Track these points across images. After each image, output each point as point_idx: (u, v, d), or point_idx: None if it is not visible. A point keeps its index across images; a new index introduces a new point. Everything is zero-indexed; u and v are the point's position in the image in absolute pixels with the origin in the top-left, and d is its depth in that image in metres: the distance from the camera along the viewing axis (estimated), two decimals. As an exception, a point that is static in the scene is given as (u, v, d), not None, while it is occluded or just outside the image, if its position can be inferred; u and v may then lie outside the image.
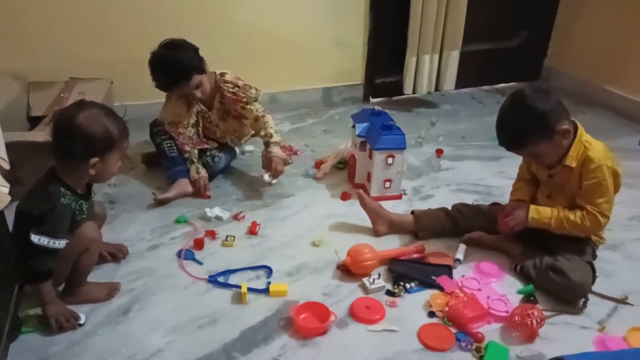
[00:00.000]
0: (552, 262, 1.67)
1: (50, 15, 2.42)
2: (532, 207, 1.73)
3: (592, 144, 1.64)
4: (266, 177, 2.15)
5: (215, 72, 2.20)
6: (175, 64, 2.02)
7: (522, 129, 1.62)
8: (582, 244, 1.73)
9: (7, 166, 1.44)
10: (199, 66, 2.08)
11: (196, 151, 2.24)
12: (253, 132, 2.35)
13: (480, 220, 1.91)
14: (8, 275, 1.50)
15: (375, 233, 1.97)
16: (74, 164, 1.49)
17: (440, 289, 1.69)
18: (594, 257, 1.78)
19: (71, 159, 1.47)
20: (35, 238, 1.42)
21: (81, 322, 1.55)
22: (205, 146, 2.30)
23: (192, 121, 2.24)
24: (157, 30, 2.31)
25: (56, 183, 1.48)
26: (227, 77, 2.20)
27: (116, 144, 1.49)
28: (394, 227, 1.96)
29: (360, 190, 2.02)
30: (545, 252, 1.74)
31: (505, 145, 1.67)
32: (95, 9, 2.47)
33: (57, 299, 1.55)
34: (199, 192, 2.17)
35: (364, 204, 1.96)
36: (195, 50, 2.09)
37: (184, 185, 2.15)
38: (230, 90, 2.18)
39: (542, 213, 1.71)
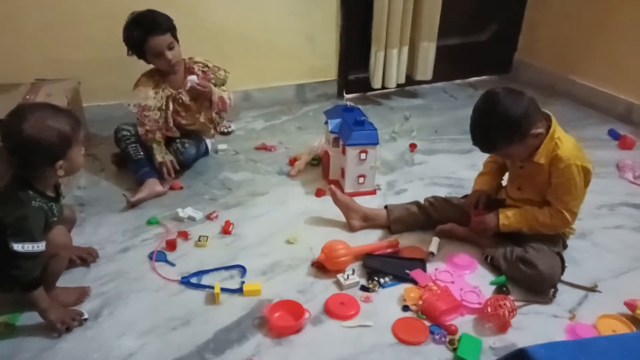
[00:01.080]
0: (522, 253, 1.70)
1: (14, 14, 2.36)
2: (502, 214, 1.77)
3: (562, 142, 1.65)
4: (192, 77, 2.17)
5: (184, 58, 2.23)
6: (152, 19, 2.09)
7: (495, 134, 1.63)
8: (551, 235, 1.75)
9: None
10: (174, 29, 2.14)
11: (160, 134, 2.22)
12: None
13: (451, 212, 1.93)
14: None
15: (350, 228, 1.97)
16: (39, 170, 1.46)
17: (415, 282, 1.70)
18: (564, 247, 1.81)
19: (35, 168, 1.45)
20: (18, 247, 1.40)
21: (85, 317, 1.55)
22: (175, 134, 2.28)
23: (158, 104, 2.21)
24: (122, 30, 2.27)
25: (24, 188, 1.45)
26: (197, 59, 2.26)
27: (73, 140, 1.46)
28: (368, 220, 1.97)
29: (332, 186, 2.02)
30: (515, 242, 1.76)
31: (478, 146, 1.70)
32: (62, 8, 2.42)
33: (53, 302, 1.52)
34: (164, 175, 2.16)
35: (336, 199, 1.97)
36: (171, 18, 2.14)
37: (153, 184, 2.13)
38: (202, 69, 2.24)
39: (513, 219, 1.75)
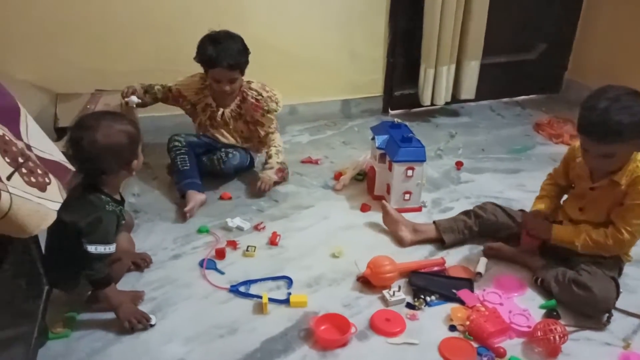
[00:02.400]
0: (574, 275, 1.66)
1: (77, 30, 2.48)
2: (555, 225, 1.73)
3: None
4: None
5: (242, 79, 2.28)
6: (228, 50, 2.11)
7: (631, 120, 1.50)
8: (604, 257, 1.70)
9: (73, 167, 1.46)
10: (244, 65, 2.19)
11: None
12: (260, 139, 2.40)
13: (501, 215, 1.94)
14: (36, 283, 1.54)
15: (401, 242, 1.96)
16: (113, 175, 1.54)
17: (462, 302, 1.68)
18: (620, 273, 1.75)
19: (110, 173, 1.53)
20: (92, 248, 1.47)
21: (152, 322, 1.59)
22: (216, 136, 2.37)
23: (192, 100, 2.32)
24: (175, 44, 2.37)
25: (96, 193, 1.53)
26: (253, 86, 2.29)
27: (139, 139, 1.57)
28: (418, 234, 1.97)
29: (384, 201, 2.04)
30: (567, 265, 1.72)
31: (596, 132, 1.54)
32: (119, 25, 2.53)
33: (126, 300, 1.59)
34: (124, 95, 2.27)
35: (386, 213, 1.99)
36: (247, 50, 2.19)
37: (195, 195, 2.16)
38: (255, 96, 2.26)
39: (565, 230, 1.71)
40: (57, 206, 1.24)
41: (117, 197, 1.60)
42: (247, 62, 2.19)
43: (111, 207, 1.54)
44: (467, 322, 1.58)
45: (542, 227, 1.78)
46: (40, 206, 1.17)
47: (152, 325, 1.59)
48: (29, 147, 1.28)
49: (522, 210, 1.96)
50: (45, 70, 2.49)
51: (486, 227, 1.94)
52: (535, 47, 3.32)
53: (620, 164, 1.62)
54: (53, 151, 1.40)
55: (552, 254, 1.78)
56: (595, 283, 1.61)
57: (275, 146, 2.33)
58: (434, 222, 1.99)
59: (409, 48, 3.02)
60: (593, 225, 1.70)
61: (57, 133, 2.35)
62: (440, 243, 1.96)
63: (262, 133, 2.35)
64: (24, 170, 1.17)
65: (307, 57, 2.89)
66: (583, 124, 1.57)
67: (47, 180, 1.24)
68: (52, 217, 1.21)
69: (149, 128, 2.67)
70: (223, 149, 2.33)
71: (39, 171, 1.23)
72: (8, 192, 1.08)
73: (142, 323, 1.57)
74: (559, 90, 3.48)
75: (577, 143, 1.73)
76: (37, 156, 1.29)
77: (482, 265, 1.84)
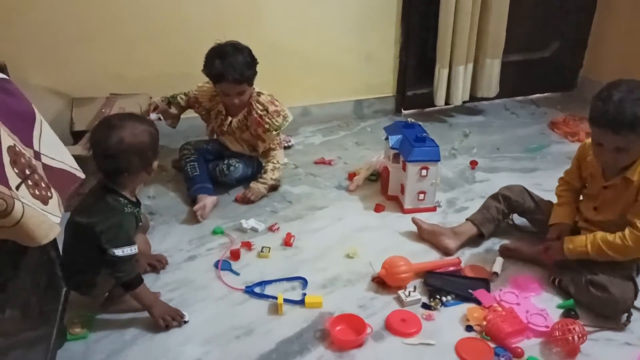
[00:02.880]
0: (591, 276, 1.63)
1: (92, 35, 2.51)
2: (566, 238, 1.71)
3: None
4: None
5: (254, 88, 2.26)
6: (233, 64, 2.09)
7: None
8: (626, 263, 1.66)
9: (82, 175, 1.48)
10: (251, 78, 2.17)
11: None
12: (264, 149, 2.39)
13: (528, 199, 1.95)
14: (55, 285, 1.55)
15: (447, 250, 1.92)
16: (133, 175, 1.55)
17: (478, 302, 1.67)
18: (638, 272, 1.72)
19: (131, 174, 1.54)
20: (119, 252, 1.49)
21: (186, 319, 1.62)
22: (226, 143, 2.38)
23: (206, 106, 2.35)
24: (190, 48, 2.38)
25: (113, 195, 1.54)
26: (262, 99, 2.24)
27: (158, 140, 1.59)
28: (459, 236, 1.94)
29: (414, 217, 2.01)
30: (585, 265, 1.69)
31: (610, 123, 1.50)
32: (135, 30, 2.55)
33: (158, 299, 1.62)
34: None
35: (421, 231, 1.97)
36: (254, 62, 2.17)
37: (206, 199, 2.17)
38: (259, 112, 2.23)
39: (577, 242, 1.67)
40: (58, 220, 1.25)
41: (134, 199, 1.61)
42: (254, 74, 2.17)
43: (129, 209, 1.55)
44: (484, 322, 1.57)
45: (553, 251, 1.74)
46: (45, 217, 1.18)
47: (186, 322, 1.61)
48: (38, 154, 1.30)
49: (549, 225, 1.84)
50: (60, 74, 2.52)
51: (513, 209, 1.96)
52: (550, 45, 3.29)
53: (633, 159, 1.58)
54: (64, 158, 1.42)
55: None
56: (613, 283, 1.59)
57: (273, 163, 2.31)
58: (468, 219, 1.97)
59: (422, 48, 3.01)
60: (609, 226, 1.66)
61: (73, 136, 2.39)
62: (480, 237, 1.95)
63: (262, 148, 2.34)
64: (29, 182, 1.18)
65: (321, 58, 2.89)
66: (597, 116, 1.53)
67: (49, 195, 1.26)
68: (57, 230, 1.22)
69: (164, 131, 2.64)
70: (227, 160, 2.32)
71: (43, 184, 1.25)
72: (20, 200, 1.09)
73: (176, 320, 1.60)
74: (574, 88, 3.44)
75: (587, 140, 1.71)
76: (44, 164, 1.31)
77: (498, 265, 1.82)
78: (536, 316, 1.60)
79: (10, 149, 1.15)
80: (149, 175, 1.62)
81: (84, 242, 1.52)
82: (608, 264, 1.64)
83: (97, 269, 1.56)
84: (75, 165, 1.47)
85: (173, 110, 2.36)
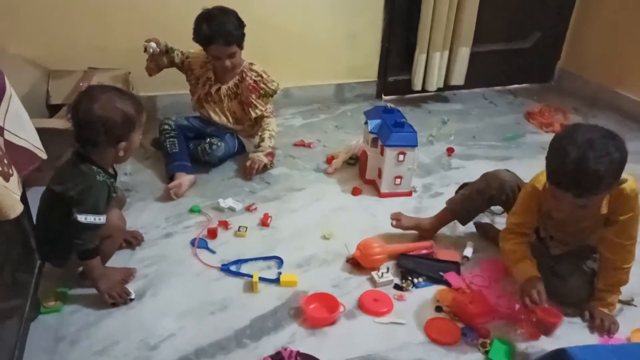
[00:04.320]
0: (553, 265, 1.68)
1: (71, 5, 2.46)
2: (598, 303, 1.61)
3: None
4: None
5: (244, 60, 2.29)
6: (222, 25, 2.12)
7: (609, 168, 1.32)
8: (586, 252, 1.70)
9: (44, 156, 1.47)
10: (241, 39, 2.19)
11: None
12: (253, 126, 2.41)
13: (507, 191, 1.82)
14: (29, 257, 1.55)
15: (422, 228, 1.94)
16: (100, 149, 1.53)
17: (448, 284, 1.72)
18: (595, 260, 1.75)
19: (98, 147, 1.52)
20: (81, 217, 1.48)
21: (132, 297, 1.62)
22: (209, 113, 2.37)
23: (193, 80, 2.35)
24: (174, 21, 2.35)
25: (87, 163, 1.53)
26: (255, 67, 2.30)
27: (136, 123, 1.55)
28: (437, 228, 1.95)
29: (394, 221, 1.93)
30: (549, 254, 1.74)
31: (571, 185, 1.35)
32: (114, 3, 2.51)
33: (107, 273, 1.61)
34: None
35: (400, 227, 1.93)
36: (242, 24, 2.19)
37: (183, 177, 2.17)
38: (254, 77, 2.27)
39: (610, 300, 1.61)
40: (17, 198, 1.24)
41: (110, 170, 1.60)
42: (243, 35, 2.20)
43: (102, 177, 1.54)
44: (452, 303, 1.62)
45: (607, 323, 1.59)
46: (8, 193, 1.17)
47: (131, 300, 1.62)
48: (1, 129, 1.29)
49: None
50: (39, 46, 2.47)
51: (493, 203, 1.90)
52: (530, 36, 3.34)
53: (596, 213, 1.50)
54: (28, 137, 1.41)
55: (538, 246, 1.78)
56: (573, 274, 1.64)
57: (269, 130, 2.34)
58: (447, 208, 1.94)
59: (406, 34, 3.03)
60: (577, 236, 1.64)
61: (49, 110, 2.36)
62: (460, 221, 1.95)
63: (253, 115, 2.34)
64: None
65: (304, 39, 2.89)
66: (555, 175, 1.39)
67: (10, 172, 1.25)
68: (20, 207, 1.21)
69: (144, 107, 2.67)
70: (208, 139, 2.31)
71: (5, 161, 1.24)
72: None
73: (122, 297, 1.59)
74: (551, 79, 3.51)
75: (540, 179, 1.56)
76: (6, 140, 1.30)
77: (469, 249, 1.87)
78: (503, 299, 1.65)
79: None
80: (119, 156, 1.57)
81: (57, 211, 1.51)
82: (571, 255, 1.69)
83: (70, 239, 1.54)
84: (39, 144, 1.46)
85: (165, 60, 2.32)
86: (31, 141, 1.42)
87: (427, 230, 1.94)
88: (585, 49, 3.30)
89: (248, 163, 2.27)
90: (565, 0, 3.28)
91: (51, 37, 2.48)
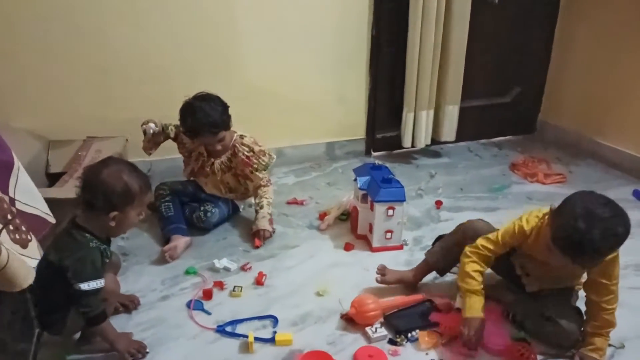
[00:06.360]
0: (544, 310, 1.72)
1: (69, 79, 2.58)
2: (591, 352, 1.64)
3: None
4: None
5: (235, 132, 2.34)
6: (205, 117, 2.15)
7: (613, 241, 1.46)
8: (568, 291, 1.78)
9: (53, 220, 1.53)
10: (226, 123, 2.24)
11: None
12: (246, 192, 2.47)
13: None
14: (28, 326, 1.57)
15: (406, 280, 1.99)
16: (94, 214, 1.58)
17: (437, 324, 1.77)
18: (577, 298, 1.82)
19: (93, 211, 1.58)
20: (84, 286, 1.52)
21: (147, 350, 1.66)
22: (202, 185, 2.42)
23: (186, 153, 2.42)
24: (168, 91, 2.46)
25: (80, 230, 1.58)
26: (245, 140, 2.33)
27: (136, 199, 1.59)
28: (420, 279, 2.00)
29: (379, 276, 1.98)
30: (535, 299, 1.78)
31: (576, 256, 1.47)
32: (113, 74, 2.63)
33: (119, 333, 1.64)
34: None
35: (385, 282, 1.97)
36: (225, 108, 2.23)
37: (179, 239, 2.22)
38: (246, 153, 2.32)
39: (600, 350, 1.64)
40: (35, 263, 1.29)
41: (103, 237, 1.63)
42: (229, 119, 2.23)
43: (95, 244, 1.57)
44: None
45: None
46: (23, 262, 1.22)
47: (147, 352, 1.66)
48: (12, 200, 1.35)
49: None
50: (39, 118, 2.57)
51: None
52: (510, 91, 3.50)
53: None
54: (38, 204, 1.48)
55: (521, 289, 1.83)
56: (563, 316, 1.68)
57: (266, 198, 2.37)
58: (426, 260, 2.00)
59: (390, 93, 3.17)
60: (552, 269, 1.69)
61: (49, 178, 2.43)
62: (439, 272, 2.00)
63: (252, 187, 2.41)
64: (10, 227, 1.23)
65: (296, 101, 3.00)
66: (560, 241, 1.48)
67: (29, 238, 1.30)
68: (33, 275, 1.25)
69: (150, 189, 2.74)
70: (203, 206, 2.36)
71: (23, 228, 1.29)
72: (4, 246, 1.13)
73: (141, 352, 1.63)
74: (533, 131, 3.64)
75: (529, 222, 1.67)
76: (19, 210, 1.37)
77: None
78: (495, 336, 1.69)
79: None
80: (111, 227, 1.58)
81: (54, 280, 1.54)
82: (557, 298, 1.74)
83: (67, 308, 1.58)
84: (47, 210, 1.53)
85: (161, 137, 2.37)
86: (40, 208, 1.49)
87: (410, 283, 1.99)
88: (563, 101, 3.45)
89: (261, 233, 2.28)
90: (541, 55, 3.46)
91: (50, 109, 2.59)
